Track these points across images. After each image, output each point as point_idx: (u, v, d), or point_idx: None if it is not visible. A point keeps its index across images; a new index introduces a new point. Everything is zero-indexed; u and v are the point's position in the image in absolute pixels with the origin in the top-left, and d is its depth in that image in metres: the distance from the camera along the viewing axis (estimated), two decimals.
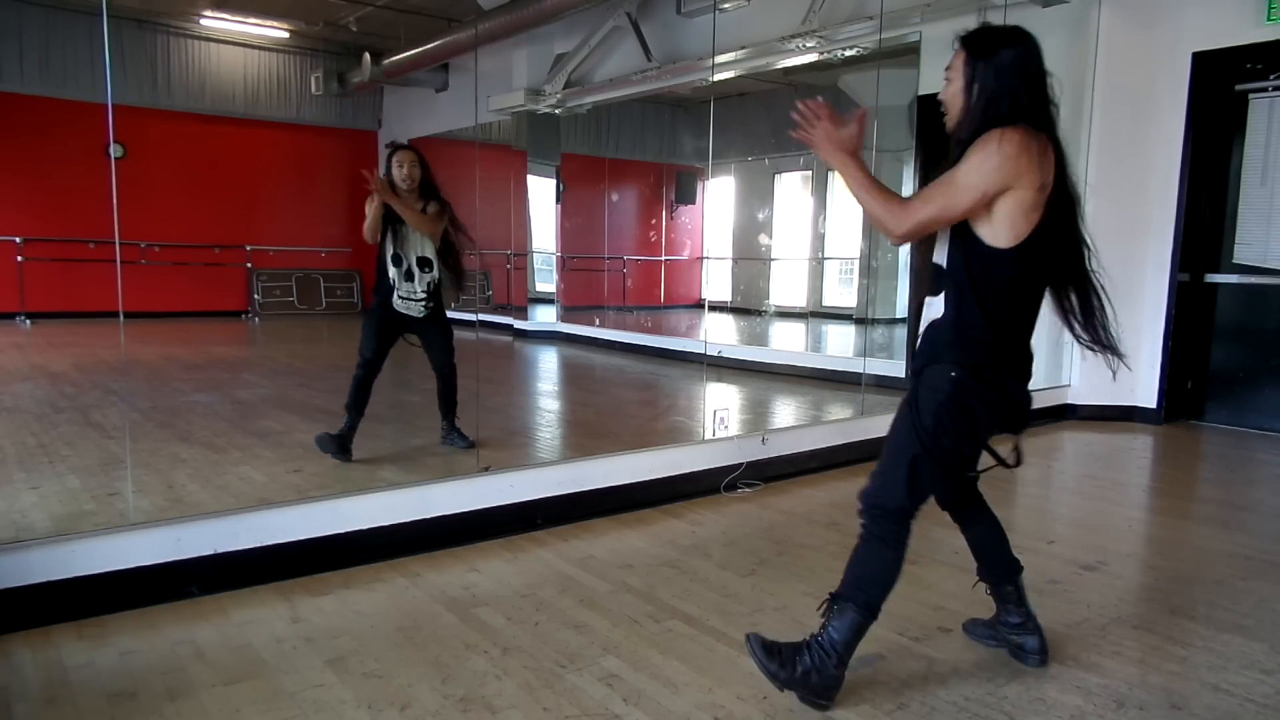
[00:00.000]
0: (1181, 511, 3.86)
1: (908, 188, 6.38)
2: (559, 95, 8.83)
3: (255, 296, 9.38)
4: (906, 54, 6.09)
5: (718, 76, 7.21)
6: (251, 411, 5.11)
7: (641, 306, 11.38)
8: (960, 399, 1.94)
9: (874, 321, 7.04)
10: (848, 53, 6.38)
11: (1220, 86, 5.32)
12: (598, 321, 10.27)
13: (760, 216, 11.04)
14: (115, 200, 3.10)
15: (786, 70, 7.46)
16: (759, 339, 9.58)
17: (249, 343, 9.08)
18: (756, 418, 5.42)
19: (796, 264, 10.24)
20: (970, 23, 2.33)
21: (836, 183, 8.38)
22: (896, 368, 6.17)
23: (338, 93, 9.56)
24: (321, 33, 9.07)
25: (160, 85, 8.62)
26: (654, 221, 11.79)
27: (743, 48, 6.62)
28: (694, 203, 11.72)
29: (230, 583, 2.64)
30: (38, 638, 2.30)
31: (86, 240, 7.90)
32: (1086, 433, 5.38)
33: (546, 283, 10.45)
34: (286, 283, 9.57)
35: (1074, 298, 2.05)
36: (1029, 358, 2.03)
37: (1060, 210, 1.93)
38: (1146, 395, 5.57)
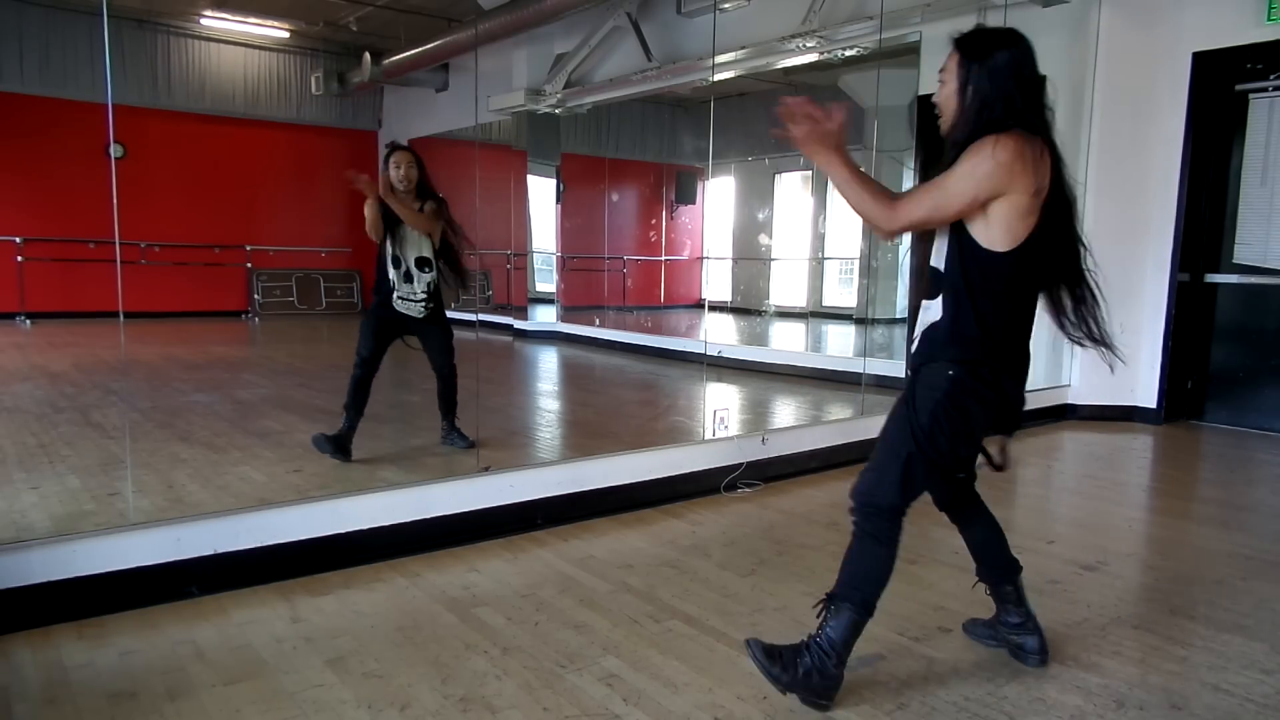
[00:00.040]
0: (1181, 511, 3.86)
1: (907, 188, 6.36)
2: (559, 95, 8.83)
3: (255, 296, 9.39)
4: (906, 54, 6.09)
5: (718, 76, 7.21)
6: (251, 411, 5.11)
7: (641, 306, 11.38)
8: (958, 397, 1.93)
9: (874, 321, 7.04)
10: (848, 53, 6.39)
11: (1220, 86, 5.32)
12: (598, 321, 10.27)
13: (760, 216, 11.04)
14: (115, 200, 3.10)
15: (786, 70, 7.46)
16: (759, 339, 9.57)
17: (249, 343, 9.08)
18: (756, 418, 5.42)
19: (796, 264, 10.24)
20: (970, 23, 2.33)
21: None
22: (896, 368, 6.16)
23: (338, 93, 9.56)
24: (321, 33, 9.08)
25: (160, 85, 8.63)
26: (654, 221, 11.79)
27: (743, 48, 6.62)
28: (694, 203, 11.72)
29: (230, 583, 2.64)
30: (38, 638, 2.29)
31: (86, 240, 7.91)
32: (1086, 433, 5.38)
33: (546, 283, 10.45)
34: (286, 283, 9.57)
35: (1067, 296, 2.05)
36: (1026, 359, 2.03)
37: (1057, 213, 1.93)
38: (1146, 395, 5.57)
